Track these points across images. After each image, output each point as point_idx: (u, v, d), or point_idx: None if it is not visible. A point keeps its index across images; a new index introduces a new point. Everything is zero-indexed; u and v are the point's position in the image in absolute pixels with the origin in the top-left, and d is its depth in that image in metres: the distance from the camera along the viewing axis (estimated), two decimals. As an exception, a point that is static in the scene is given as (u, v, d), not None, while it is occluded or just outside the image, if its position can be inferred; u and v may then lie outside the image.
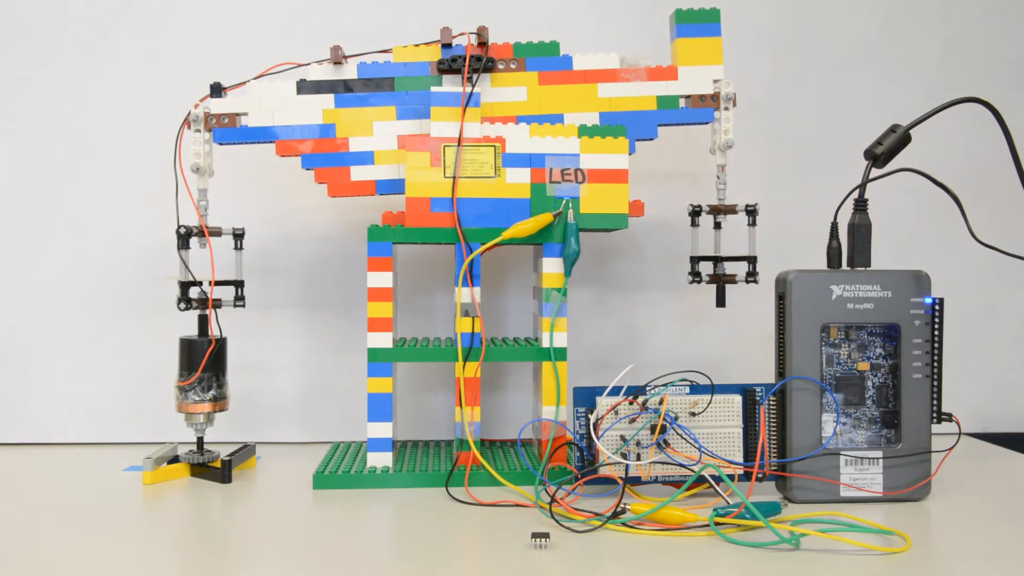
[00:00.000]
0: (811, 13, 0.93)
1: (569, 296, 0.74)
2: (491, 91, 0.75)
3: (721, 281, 0.76)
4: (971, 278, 0.92)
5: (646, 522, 0.58)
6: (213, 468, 0.73)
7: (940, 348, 0.65)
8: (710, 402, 0.66)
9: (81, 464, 0.80)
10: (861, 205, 0.67)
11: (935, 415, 0.65)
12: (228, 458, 0.72)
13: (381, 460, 0.71)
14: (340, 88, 0.75)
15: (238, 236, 0.76)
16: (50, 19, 0.88)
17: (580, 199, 0.72)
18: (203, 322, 0.75)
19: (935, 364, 0.65)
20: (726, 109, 0.75)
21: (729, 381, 0.67)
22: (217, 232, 0.74)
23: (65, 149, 0.88)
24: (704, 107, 0.75)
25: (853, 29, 0.93)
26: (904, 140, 0.67)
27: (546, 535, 0.54)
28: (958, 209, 0.68)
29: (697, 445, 0.65)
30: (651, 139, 0.76)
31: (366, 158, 0.75)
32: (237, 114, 0.74)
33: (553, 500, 0.60)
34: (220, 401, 0.74)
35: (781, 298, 0.66)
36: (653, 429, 0.64)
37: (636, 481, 0.65)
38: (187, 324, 0.77)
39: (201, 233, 0.74)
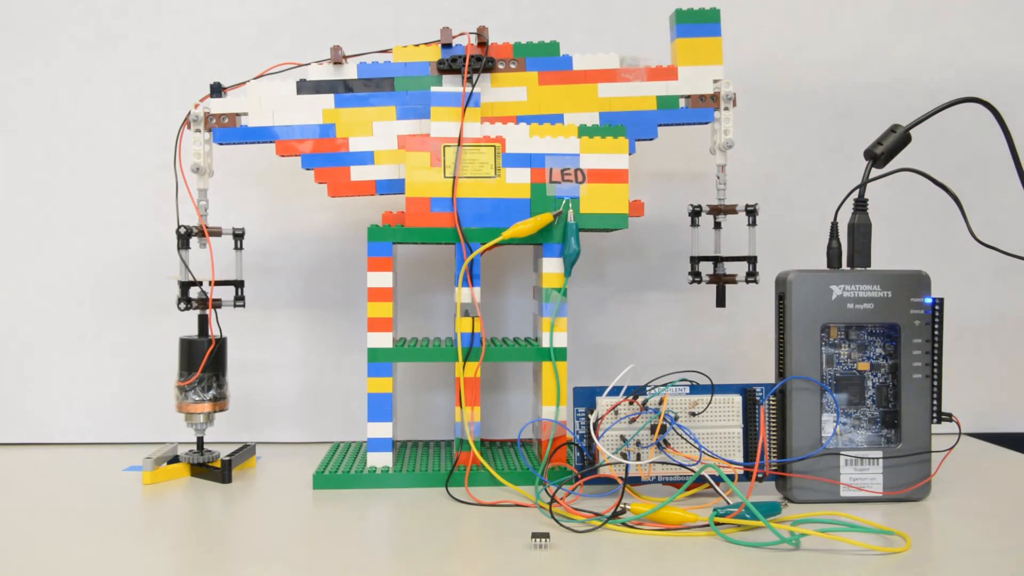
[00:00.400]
0: (811, 13, 0.93)
1: (569, 296, 0.74)
2: (491, 91, 0.75)
3: (721, 281, 0.76)
4: (971, 278, 0.92)
5: (646, 522, 0.58)
6: (213, 468, 0.73)
7: (940, 348, 0.65)
8: (710, 402, 0.66)
9: (81, 464, 0.80)
10: (861, 205, 0.67)
11: (935, 415, 0.65)
12: (228, 458, 0.72)
13: (381, 460, 0.71)
14: (340, 88, 0.75)
15: (238, 236, 0.76)
16: (50, 19, 0.88)
17: (580, 199, 0.72)
18: (203, 322, 0.75)
19: (935, 364, 0.65)
20: (726, 109, 0.75)
21: (729, 381, 0.67)
22: (217, 232, 0.75)
23: (65, 149, 0.88)
24: (704, 107, 0.75)
25: (853, 29, 0.93)
26: (904, 140, 0.67)
27: (546, 535, 0.54)
28: (958, 209, 0.68)
29: (697, 445, 0.65)
30: (651, 139, 0.76)
31: (366, 158, 0.75)
32: (237, 114, 0.74)
33: (553, 500, 0.60)
34: (220, 401, 0.74)
35: (781, 298, 0.66)
36: (653, 429, 0.64)
37: (636, 481, 0.65)
38: (187, 324, 0.77)
39: (201, 233, 0.74)
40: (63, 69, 0.88)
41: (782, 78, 0.92)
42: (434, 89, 0.73)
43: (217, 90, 0.74)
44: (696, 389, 0.66)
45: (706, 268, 0.77)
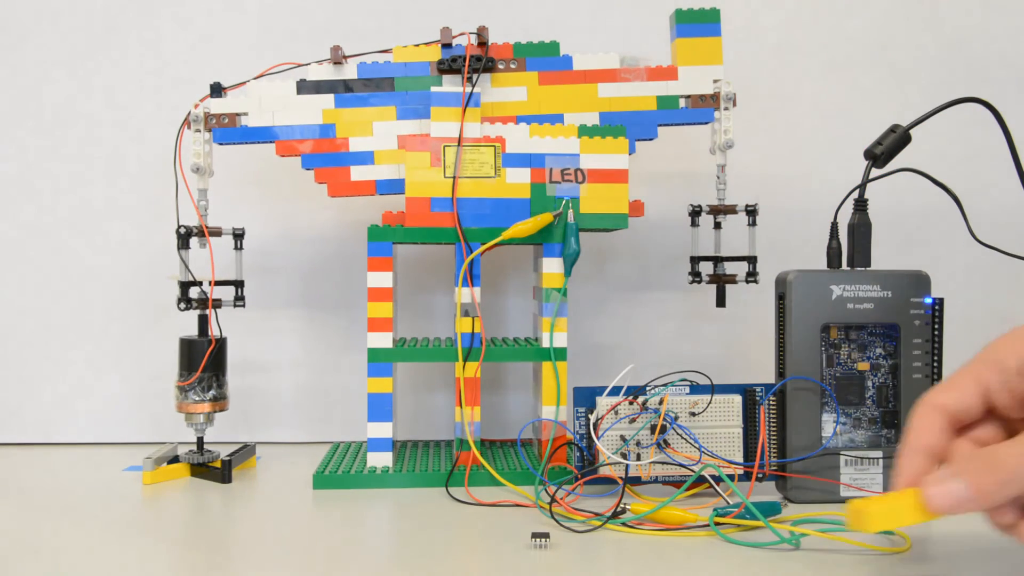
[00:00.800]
0: (811, 13, 0.93)
1: (569, 296, 0.74)
2: (491, 91, 0.75)
3: (721, 281, 0.76)
4: (971, 278, 0.92)
5: (646, 522, 0.58)
6: (213, 468, 0.73)
7: (940, 348, 0.65)
8: (710, 402, 0.66)
9: (81, 464, 0.80)
10: (861, 205, 0.67)
11: (935, 415, 0.65)
12: (228, 458, 0.72)
13: (381, 460, 0.71)
14: (340, 88, 0.75)
15: (238, 236, 0.76)
16: (50, 19, 0.88)
17: (580, 199, 0.72)
18: (203, 322, 0.75)
19: (935, 364, 0.65)
20: (726, 109, 0.75)
21: (729, 381, 0.67)
22: (217, 232, 0.75)
23: (65, 149, 0.88)
24: (704, 107, 0.75)
25: (853, 29, 0.93)
26: (904, 140, 0.67)
27: (546, 535, 0.54)
28: (958, 209, 0.68)
29: (697, 445, 0.65)
30: (651, 139, 0.76)
31: (366, 158, 0.75)
32: (237, 114, 0.74)
33: (553, 500, 0.60)
34: (220, 401, 0.74)
35: (781, 298, 0.66)
36: (653, 429, 0.64)
37: (636, 481, 0.65)
38: (187, 324, 0.77)
39: (201, 233, 0.74)
40: (62, 69, 0.88)
41: (782, 76, 0.92)
42: (434, 89, 0.73)
43: (217, 90, 0.74)
44: (696, 389, 0.66)
45: (706, 268, 0.77)
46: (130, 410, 0.88)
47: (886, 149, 0.67)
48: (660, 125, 0.76)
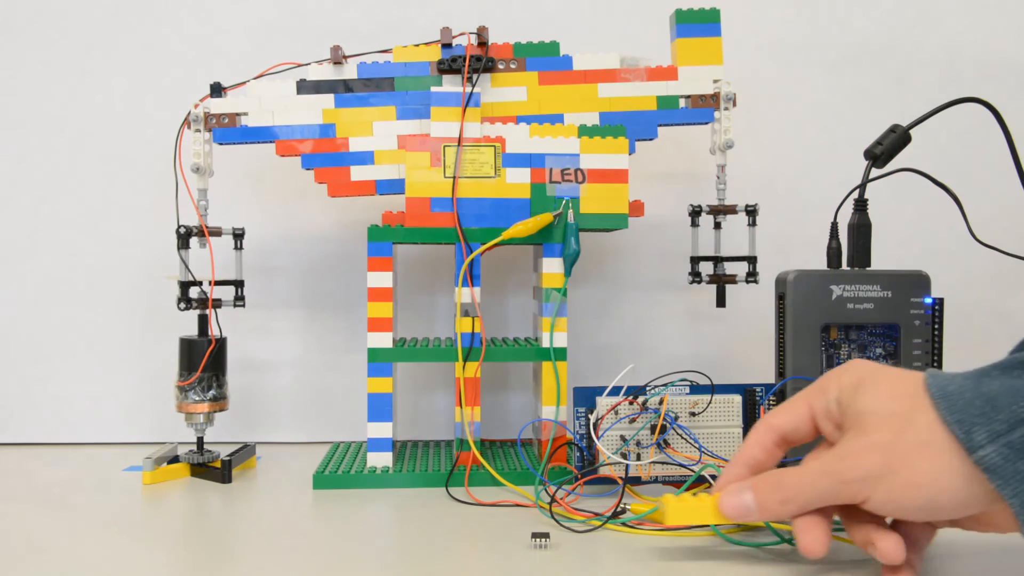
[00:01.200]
0: (811, 13, 0.93)
1: (569, 297, 0.74)
2: (491, 91, 0.75)
3: (721, 281, 0.76)
4: (971, 278, 0.92)
5: (646, 522, 0.58)
6: (213, 468, 0.73)
7: (940, 348, 0.65)
8: (710, 402, 0.66)
9: (81, 464, 0.80)
10: (861, 205, 0.67)
11: (935, 415, 0.65)
12: (228, 458, 0.72)
13: (381, 460, 0.71)
14: (340, 88, 0.75)
15: (238, 236, 0.76)
16: (49, 18, 0.88)
17: (580, 199, 0.72)
18: (203, 322, 0.75)
19: (935, 364, 0.65)
20: (726, 109, 0.75)
21: (729, 381, 0.67)
22: (217, 232, 0.75)
23: (65, 149, 0.88)
24: (704, 107, 0.75)
25: (853, 29, 0.93)
26: (904, 140, 0.67)
27: (546, 535, 0.54)
28: (958, 209, 0.68)
29: (697, 445, 0.65)
30: (651, 139, 0.76)
31: (366, 158, 0.75)
32: (237, 114, 0.74)
33: (553, 500, 0.60)
34: (220, 401, 0.74)
35: (781, 298, 0.66)
36: (653, 429, 0.64)
37: (636, 481, 0.65)
38: (187, 324, 0.77)
39: (201, 233, 0.74)
40: (62, 68, 0.88)
41: (782, 76, 0.92)
42: (434, 89, 0.73)
43: (217, 90, 0.74)
44: (696, 389, 0.66)
45: (706, 268, 0.77)
46: (130, 410, 0.88)
47: (886, 149, 0.67)
48: (660, 125, 0.76)
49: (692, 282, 0.76)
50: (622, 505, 0.58)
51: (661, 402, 0.65)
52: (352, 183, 0.74)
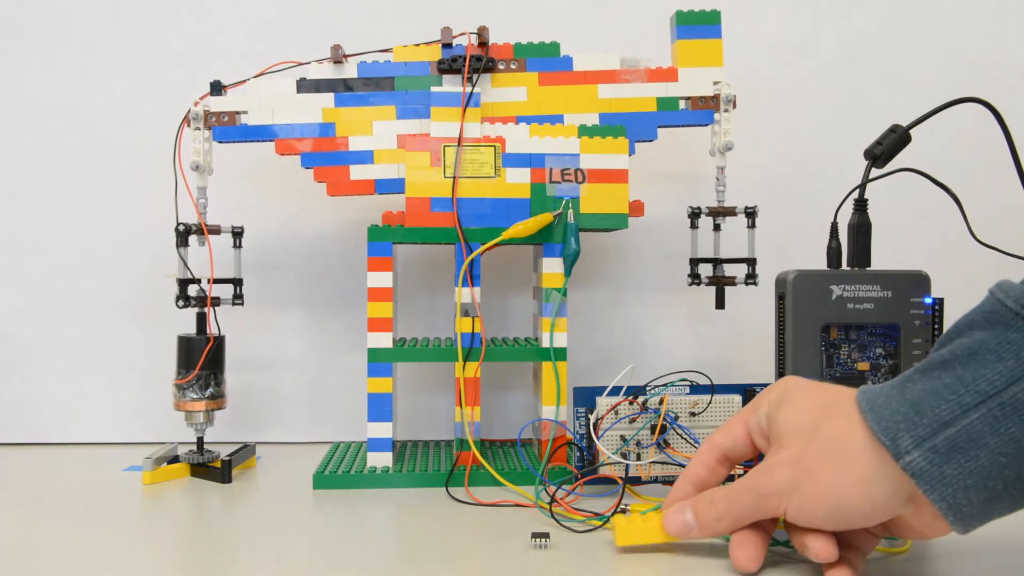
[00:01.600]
0: (811, 13, 0.93)
1: (569, 297, 0.74)
2: (491, 91, 0.75)
3: (720, 283, 0.76)
4: (971, 278, 0.91)
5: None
6: (213, 468, 0.73)
7: (940, 348, 0.65)
8: (710, 402, 0.66)
9: (81, 464, 0.80)
10: (861, 205, 0.67)
11: (935, 415, 0.65)
12: (228, 458, 0.72)
13: (381, 460, 0.71)
14: (340, 87, 0.75)
15: (237, 234, 0.76)
16: (49, 17, 0.88)
17: (580, 199, 0.72)
18: (201, 320, 0.74)
19: (935, 364, 0.65)
20: (726, 111, 0.75)
21: (729, 381, 0.67)
22: (216, 230, 0.74)
23: (64, 148, 0.88)
24: (704, 109, 0.75)
25: (853, 29, 0.93)
26: (904, 140, 0.67)
27: (546, 535, 0.54)
28: (958, 209, 0.68)
29: (697, 445, 0.64)
30: (651, 140, 0.76)
31: (365, 157, 0.75)
32: (237, 112, 0.74)
33: (553, 500, 0.60)
34: (218, 399, 0.74)
35: (781, 298, 0.66)
36: (653, 429, 0.64)
37: (636, 481, 0.65)
38: (188, 324, 0.77)
39: (200, 231, 0.74)
40: (62, 67, 0.88)
41: (782, 77, 0.92)
42: (434, 89, 0.73)
43: (217, 88, 0.74)
44: (696, 389, 0.66)
45: (705, 270, 0.77)
46: (130, 410, 0.88)
47: (886, 149, 0.67)
48: (660, 127, 0.76)
49: (691, 284, 0.76)
50: (622, 505, 0.58)
51: (661, 402, 0.65)
52: (351, 182, 0.74)
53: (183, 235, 0.73)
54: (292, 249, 0.89)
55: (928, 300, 0.65)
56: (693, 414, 0.65)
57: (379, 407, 0.71)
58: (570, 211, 0.71)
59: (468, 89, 0.73)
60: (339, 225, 0.89)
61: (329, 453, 0.78)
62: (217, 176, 0.77)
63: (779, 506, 0.47)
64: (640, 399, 0.65)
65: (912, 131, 0.67)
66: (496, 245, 0.71)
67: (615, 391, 0.65)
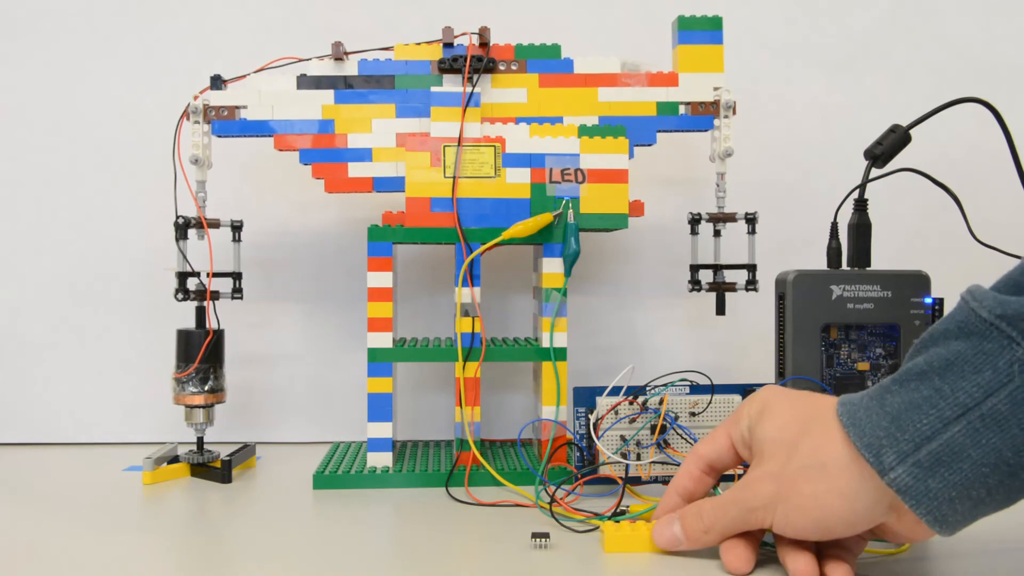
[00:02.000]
0: (811, 14, 0.93)
1: (570, 301, 0.74)
2: (491, 92, 0.75)
3: (721, 289, 0.76)
4: (971, 278, 0.91)
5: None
6: (213, 468, 0.73)
7: (940, 348, 0.65)
8: (710, 402, 0.66)
9: (81, 464, 0.80)
10: (861, 205, 0.67)
11: (935, 415, 0.65)
12: (228, 458, 0.72)
13: (381, 460, 0.71)
14: (340, 84, 0.75)
15: (236, 228, 0.76)
16: (49, 11, 0.88)
17: (580, 199, 0.72)
18: (200, 314, 0.74)
19: (935, 364, 0.65)
20: (726, 117, 0.75)
21: (729, 381, 0.67)
22: (215, 224, 0.74)
23: (64, 147, 0.88)
24: (704, 115, 0.75)
25: (853, 29, 0.93)
26: (904, 140, 0.67)
27: (546, 535, 0.54)
28: (958, 209, 0.68)
29: (697, 445, 0.64)
30: (650, 144, 0.76)
31: (364, 155, 0.74)
32: (236, 107, 0.74)
33: (553, 500, 0.60)
34: (217, 393, 0.74)
35: (781, 298, 0.66)
36: (653, 429, 0.64)
37: (636, 481, 0.65)
38: (188, 324, 0.77)
39: (199, 225, 0.74)
40: (62, 62, 0.88)
41: (782, 77, 0.92)
42: (434, 89, 0.73)
43: (217, 82, 0.74)
44: (696, 389, 0.66)
45: (706, 276, 0.77)
46: (130, 410, 0.88)
47: (886, 149, 0.67)
48: (659, 131, 0.76)
49: (692, 290, 0.76)
50: (622, 505, 0.58)
51: (661, 402, 0.65)
52: (349, 179, 0.74)
53: (182, 228, 0.73)
54: (294, 250, 0.89)
55: (928, 300, 0.65)
56: (693, 414, 0.65)
57: (379, 407, 0.71)
58: (570, 211, 0.71)
59: (468, 89, 0.73)
60: (340, 223, 0.89)
61: (329, 453, 0.78)
62: (218, 171, 0.77)
63: (764, 519, 0.47)
64: (640, 399, 0.65)
65: (912, 131, 0.67)
66: (496, 245, 0.71)
67: (615, 391, 0.65)
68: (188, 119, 0.74)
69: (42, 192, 0.88)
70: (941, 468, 0.41)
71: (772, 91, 0.92)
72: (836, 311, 0.65)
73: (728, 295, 0.77)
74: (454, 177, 0.71)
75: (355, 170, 0.74)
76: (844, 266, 0.67)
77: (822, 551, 0.49)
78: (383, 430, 0.71)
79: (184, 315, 0.76)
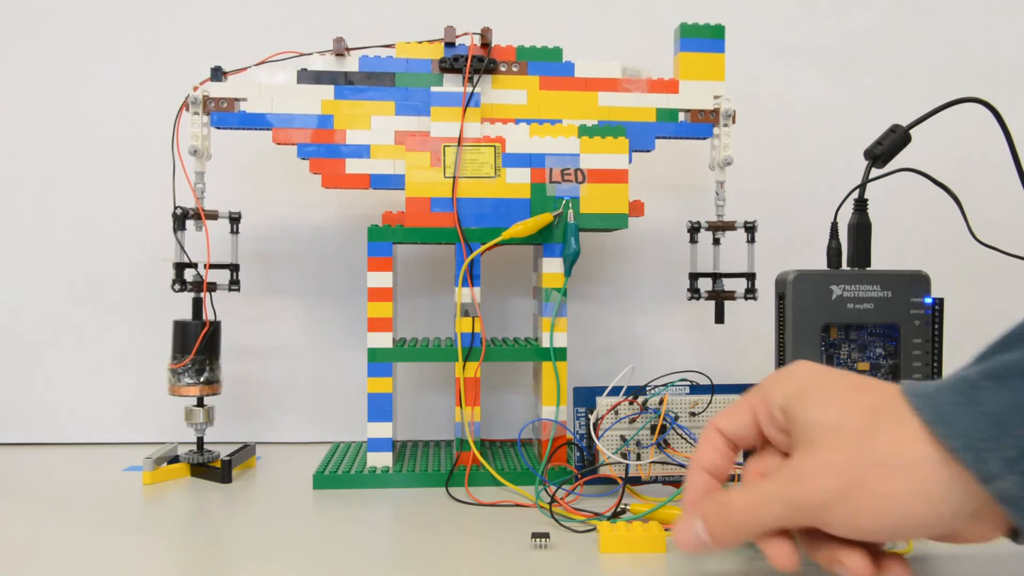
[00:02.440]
0: (811, 14, 0.93)
1: (570, 305, 0.74)
2: (492, 92, 0.75)
3: (720, 298, 0.76)
4: (971, 278, 0.92)
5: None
6: (213, 468, 0.73)
7: (940, 348, 0.65)
8: (710, 402, 0.66)
9: (81, 464, 0.80)
10: (861, 205, 0.67)
11: (935, 415, 0.65)
12: (228, 458, 0.72)
13: (381, 460, 0.71)
14: (340, 80, 0.75)
15: (234, 220, 0.76)
16: (49, 11, 0.88)
17: (580, 199, 0.72)
18: (197, 305, 0.74)
19: (935, 364, 0.65)
20: (725, 126, 0.75)
21: (729, 381, 0.67)
22: (214, 215, 0.74)
23: (64, 147, 0.88)
24: (703, 122, 0.76)
25: (853, 29, 0.93)
26: (904, 140, 0.67)
27: (546, 535, 0.54)
28: (958, 209, 0.68)
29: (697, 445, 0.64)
30: (648, 151, 0.76)
31: (362, 151, 0.74)
32: (236, 99, 0.74)
33: (553, 500, 0.60)
34: (213, 384, 0.74)
35: (781, 298, 0.66)
36: (653, 429, 0.64)
37: (636, 481, 0.65)
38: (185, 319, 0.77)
39: (197, 216, 0.74)
40: (62, 57, 0.88)
41: (783, 77, 0.92)
42: (434, 89, 0.73)
43: (217, 74, 0.74)
44: (696, 389, 0.66)
45: (705, 284, 0.77)
46: (130, 410, 0.88)
47: (886, 149, 0.67)
48: (658, 137, 0.76)
49: (691, 298, 0.76)
50: (622, 505, 0.58)
51: (661, 402, 0.65)
52: (347, 175, 0.74)
53: (180, 219, 0.73)
54: (292, 239, 0.89)
55: (928, 300, 0.65)
56: (693, 414, 0.65)
57: (379, 407, 0.71)
58: (570, 211, 0.71)
59: (469, 89, 0.73)
60: (340, 219, 0.89)
61: (329, 453, 0.78)
62: (218, 167, 0.77)
63: (816, 518, 0.41)
64: (640, 399, 0.65)
65: (912, 131, 0.67)
66: (496, 245, 0.71)
67: (615, 391, 0.65)
68: (188, 110, 0.74)
69: (42, 192, 0.88)
70: None
71: (772, 91, 0.92)
72: (836, 311, 0.65)
73: (727, 302, 0.77)
74: (454, 177, 0.71)
75: (353, 166, 0.74)
76: (844, 266, 0.67)
77: (868, 544, 0.44)
78: (383, 430, 0.71)
79: (184, 314, 0.76)
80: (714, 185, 0.76)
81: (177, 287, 0.73)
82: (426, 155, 0.71)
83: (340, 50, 0.74)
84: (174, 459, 0.74)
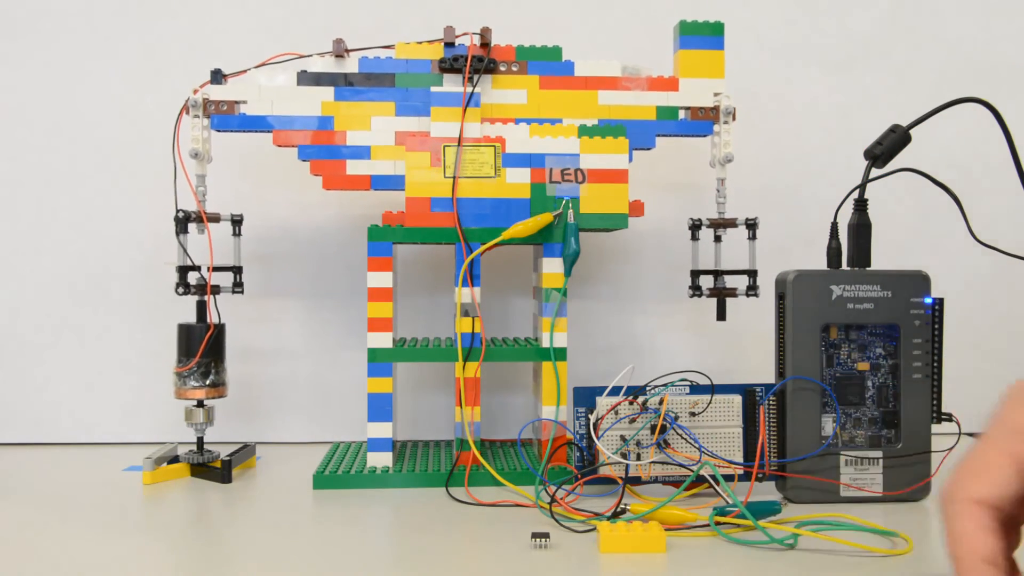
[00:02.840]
0: (811, 14, 0.93)
1: (570, 302, 0.74)
2: (492, 92, 0.75)
3: (721, 295, 0.76)
4: (971, 278, 0.92)
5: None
6: (213, 468, 0.73)
7: (940, 348, 0.65)
8: (710, 402, 0.66)
9: (81, 464, 0.80)
10: (861, 205, 0.67)
11: (935, 415, 0.65)
12: (228, 458, 0.72)
13: (381, 460, 0.71)
14: (340, 81, 0.75)
15: (236, 222, 0.76)
16: (49, 11, 0.88)
17: (580, 199, 0.72)
18: (201, 308, 0.74)
19: (935, 364, 0.65)
20: (726, 123, 0.75)
21: (729, 381, 0.67)
22: (216, 218, 0.74)
23: (64, 147, 0.88)
24: (703, 120, 0.75)
25: (853, 29, 0.93)
26: (904, 140, 0.67)
27: (546, 535, 0.54)
28: (958, 209, 0.68)
29: (697, 445, 0.65)
30: (648, 148, 0.76)
31: (363, 152, 0.74)
32: (236, 101, 0.74)
33: (553, 500, 0.60)
34: (218, 387, 0.74)
35: (781, 298, 0.66)
36: (653, 429, 0.64)
37: (636, 481, 0.65)
38: (188, 322, 0.77)
39: (199, 219, 0.74)
40: (62, 57, 0.88)
41: (783, 77, 0.92)
42: (434, 89, 0.73)
43: (217, 76, 0.74)
44: (696, 389, 0.66)
45: (706, 281, 0.77)
46: (130, 410, 0.88)
47: (886, 149, 0.67)
48: (658, 135, 0.76)
49: (692, 295, 0.76)
50: (622, 505, 0.58)
51: (661, 402, 0.65)
52: (347, 176, 0.74)
53: (182, 222, 0.73)
54: (293, 240, 0.89)
55: (928, 300, 0.65)
56: (693, 414, 0.65)
57: (379, 407, 0.71)
58: (570, 211, 0.71)
59: (469, 89, 0.73)
60: (340, 219, 0.89)
61: (329, 453, 0.78)
62: (218, 169, 0.77)
63: None
64: (640, 399, 0.65)
65: (912, 131, 0.67)
66: (496, 245, 0.71)
67: (615, 391, 0.65)
68: (188, 113, 0.74)
69: (42, 192, 0.88)
70: None
71: (772, 91, 0.92)
72: (836, 311, 0.65)
73: (728, 299, 0.77)
74: (454, 177, 0.71)
75: (353, 167, 0.74)
76: (844, 266, 0.67)
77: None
78: (383, 430, 0.71)
79: (184, 314, 0.76)
80: (714, 184, 0.76)
81: (181, 290, 0.73)
82: (426, 155, 0.71)
83: (340, 51, 0.74)
84: (174, 459, 0.74)
